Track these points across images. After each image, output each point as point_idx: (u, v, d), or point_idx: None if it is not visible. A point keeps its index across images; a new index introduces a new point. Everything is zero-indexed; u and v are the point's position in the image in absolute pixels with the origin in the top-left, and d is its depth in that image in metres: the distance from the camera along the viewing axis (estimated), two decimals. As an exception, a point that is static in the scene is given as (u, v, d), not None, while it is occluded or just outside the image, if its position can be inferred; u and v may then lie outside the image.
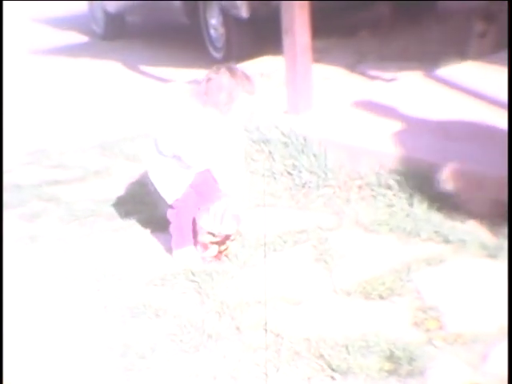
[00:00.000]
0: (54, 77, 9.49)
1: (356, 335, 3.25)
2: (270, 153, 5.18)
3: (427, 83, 5.85)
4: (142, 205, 4.79)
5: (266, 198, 4.78)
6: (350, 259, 3.94)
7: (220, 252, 4.06)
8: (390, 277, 3.68)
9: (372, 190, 4.52)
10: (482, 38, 6.61)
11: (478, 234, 3.90)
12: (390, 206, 4.33)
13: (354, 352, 3.14)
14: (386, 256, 3.91)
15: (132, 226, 4.64)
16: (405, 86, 5.93)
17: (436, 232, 4.01)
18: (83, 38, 12.33)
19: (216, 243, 4.03)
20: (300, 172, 4.91)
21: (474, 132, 4.65)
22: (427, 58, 6.53)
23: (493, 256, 3.73)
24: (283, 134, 5.20)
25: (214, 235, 4.02)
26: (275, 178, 4.99)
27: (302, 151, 5.00)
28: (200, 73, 4.12)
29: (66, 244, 4.53)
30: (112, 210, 4.90)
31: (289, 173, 4.97)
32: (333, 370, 3.08)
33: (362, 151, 4.76)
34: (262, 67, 7.45)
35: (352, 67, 7.26)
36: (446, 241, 3.94)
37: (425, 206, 4.19)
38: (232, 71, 3.98)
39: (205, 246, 4.06)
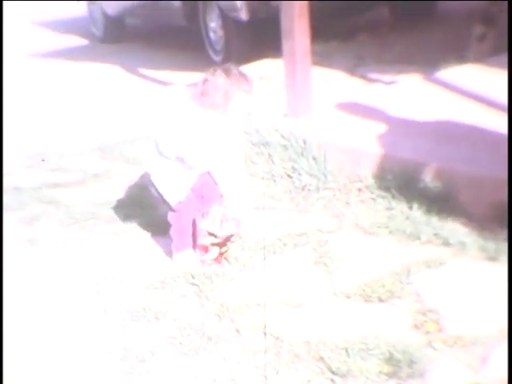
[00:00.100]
0: (54, 80, 9.49)
1: (356, 338, 3.25)
2: (270, 156, 5.18)
3: (427, 86, 5.86)
4: (142, 208, 4.80)
5: (266, 200, 4.78)
6: (350, 262, 3.94)
7: (221, 254, 4.06)
8: (390, 279, 3.68)
9: (372, 192, 4.52)
10: (481, 41, 6.62)
11: (477, 236, 3.90)
12: (390, 208, 4.33)
13: (353, 355, 3.14)
14: (386, 258, 3.91)
15: (132, 229, 4.64)
16: (404, 89, 5.93)
17: (436, 234, 4.02)
18: (83, 41, 12.34)
19: (217, 245, 4.03)
20: (300, 175, 4.91)
21: (474, 135, 4.65)
22: (427, 61, 6.53)
23: (492, 258, 3.73)
24: (283, 136, 5.20)
25: (215, 236, 4.02)
26: (275, 181, 4.99)
27: (302, 154, 5.00)
28: (199, 76, 4.12)
29: (66, 247, 4.53)
30: (112, 213, 4.90)
31: (288, 176, 4.97)
32: (332, 372, 3.08)
33: (361, 154, 4.76)
34: (262, 70, 7.45)
35: (352, 70, 7.26)
36: (446, 243, 3.94)
37: (424, 208, 4.19)
38: (228, 72, 4.01)
39: (205, 249, 4.05)
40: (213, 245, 4.04)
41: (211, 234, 4.02)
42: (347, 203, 4.57)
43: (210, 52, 8.86)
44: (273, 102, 6.01)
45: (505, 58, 5.44)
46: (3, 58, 8.99)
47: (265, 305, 3.60)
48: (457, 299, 3.46)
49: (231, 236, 4.08)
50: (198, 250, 4.10)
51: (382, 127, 5.01)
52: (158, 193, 4.10)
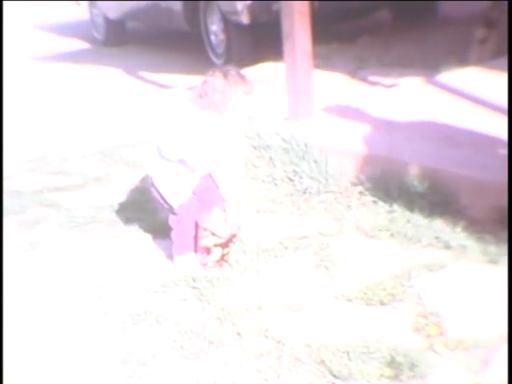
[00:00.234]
0: (55, 83, 9.51)
1: (357, 341, 3.24)
2: (271, 159, 5.18)
3: (428, 89, 5.86)
4: (143, 211, 4.79)
5: (267, 204, 4.78)
6: (351, 265, 3.94)
7: (223, 256, 4.06)
8: (391, 282, 3.67)
9: (373, 195, 4.52)
10: (482, 44, 6.62)
11: (478, 239, 3.90)
12: (391, 211, 4.33)
13: (355, 358, 3.14)
14: (387, 262, 3.90)
15: (133, 232, 4.64)
16: (406, 92, 5.93)
17: (437, 238, 4.01)
18: (84, 45, 12.35)
19: (220, 245, 4.03)
20: (301, 178, 4.91)
21: (475, 138, 4.65)
22: (428, 64, 6.53)
23: (493, 262, 3.73)
24: (284, 140, 5.20)
25: (219, 237, 4.02)
26: (276, 184, 5.00)
27: (303, 157, 5.00)
28: (201, 79, 4.12)
29: (67, 250, 4.53)
30: (112, 217, 4.90)
31: (290, 179, 4.97)
32: (334, 376, 3.08)
33: (362, 157, 4.76)
34: (263, 73, 7.46)
35: (353, 73, 7.26)
36: (447, 247, 3.94)
37: (425, 211, 4.18)
38: (226, 73, 4.03)
39: (207, 251, 4.05)
40: (216, 246, 4.04)
41: (214, 235, 4.02)
42: (348, 206, 4.57)
43: (211, 55, 8.87)
44: (274, 105, 6.02)
45: (505, 61, 5.44)
46: (3, 61, 9.00)
47: (261, 307, 3.61)
48: (458, 302, 3.46)
49: (233, 236, 4.08)
50: (199, 254, 4.09)
51: (383, 130, 5.00)
52: (161, 195, 4.10)
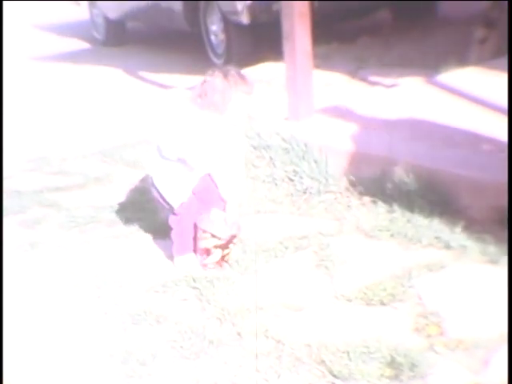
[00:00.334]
0: (55, 83, 9.50)
1: (357, 341, 3.24)
2: (271, 159, 5.18)
3: (428, 89, 5.85)
4: (143, 211, 4.79)
5: (267, 204, 4.78)
6: (351, 265, 3.94)
7: (223, 257, 4.06)
8: (391, 283, 3.67)
9: (373, 196, 4.51)
10: (482, 44, 6.62)
11: (478, 239, 3.89)
12: (391, 211, 4.33)
13: (355, 358, 3.14)
14: (387, 262, 3.90)
15: (133, 232, 4.64)
16: (406, 92, 5.93)
17: (437, 238, 4.01)
18: (84, 45, 12.35)
19: (220, 247, 4.03)
20: (301, 178, 4.91)
21: (475, 138, 4.65)
22: (428, 64, 6.53)
23: (493, 262, 3.73)
24: (284, 140, 5.20)
25: (218, 238, 4.01)
26: (276, 184, 5.00)
27: (303, 157, 5.00)
28: (201, 79, 4.12)
29: (67, 250, 4.53)
30: (112, 217, 4.90)
31: (290, 179, 4.97)
32: (334, 376, 3.08)
33: (362, 157, 4.76)
34: (263, 73, 7.46)
35: (353, 73, 7.26)
36: (447, 247, 3.94)
37: (425, 212, 4.18)
38: (226, 73, 4.03)
39: (207, 252, 4.05)
40: (216, 247, 4.04)
41: (214, 236, 4.02)
42: (348, 206, 4.57)
43: (212, 55, 8.87)
44: (274, 105, 6.02)
45: (505, 61, 5.44)
46: (3, 61, 9.00)
47: (261, 307, 3.60)
48: (458, 302, 3.46)
49: (233, 237, 4.08)
50: (199, 255, 4.09)
51: (383, 130, 5.01)
52: (161, 195, 4.10)
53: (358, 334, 3.32)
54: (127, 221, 4.77)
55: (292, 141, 5.14)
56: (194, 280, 3.93)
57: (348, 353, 3.17)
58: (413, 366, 3.04)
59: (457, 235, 3.98)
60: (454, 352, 3.14)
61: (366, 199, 4.54)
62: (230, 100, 4.00)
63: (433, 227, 4.09)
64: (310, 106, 5.55)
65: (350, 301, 3.61)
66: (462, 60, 6.29)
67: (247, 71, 6.09)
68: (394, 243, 4.08)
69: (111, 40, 11.75)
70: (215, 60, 8.73)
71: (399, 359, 3.09)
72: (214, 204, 4.07)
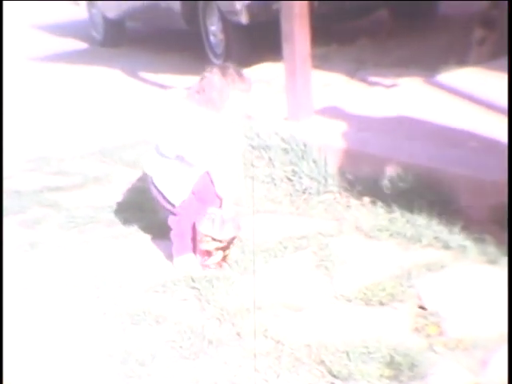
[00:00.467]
0: (54, 83, 9.50)
1: (357, 341, 3.24)
2: (270, 159, 5.18)
3: (427, 89, 5.86)
4: (142, 211, 4.79)
5: (267, 204, 4.78)
6: (351, 265, 3.94)
7: (224, 257, 4.06)
8: (391, 283, 3.67)
9: (372, 196, 4.51)
10: (481, 45, 6.62)
11: (477, 240, 3.89)
12: (390, 211, 4.33)
13: (354, 358, 3.14)
14: (387, 262, 3.90)
15: (132, 232, 4.64)
16: (405, 93, 5.93)
17: (436, 238, 4.01)
18: (83, 45, 12.34)
19: (221, 248, 4.03)
20: (300, 178, 4.91)
21: (474, 138, 4.65)
22: (427, 65, 6.53)
23: (493, 262, 3.73)
24: (283, 140, 5.20)
25: (220, 241, 4.01)
26: (275, 184, 5.00)
27: (302, 157, 5.00)
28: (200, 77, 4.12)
29: (66, 250, 4.53)
30: (112, 217, 4.90)
31: (289, 179, 4.97)
32: (334, 376, 3.08)
33: (361, 157, 4.76)
34: (262, 74, 7.45)
35: (352, 74, 7.26)
36: (446, 247, 3.94)
37: (425, 212, 4.18)
38: (223, 70, 4.03)
39: (209, 254, 4.05)
40: (217, 249, 4.04)
41: (215, 240, 4.02)
42: (348, 206, 4.57)
43: (211, 55, 8.86)
44: (273, 105, 6.02)
45: (505, 62, 5.44)
46: (3, 62, 8.99)
47: (256, 308, 3.60)
48: (457, 302, 3.46)
49: (234, 238, 4.08)
50: (199, 256, 4.09)
51: (382, 130, 5.01)
52: (161, 194, 4.09)
53: (358, 334, 3.32)
54: (126, 221, 4.77)
55: (291, 141, 5.14)
56: (194, 280, 3.93)
57: (347, 353, 3.17)
58: (412, 366, 3.05)
59: (456, 235, 3.98)
60: (454, 352, 3.14)
61: (366, 199, 4.54)
62: (227, 97, 4.00)
63: (432, 227, 4.09)
64: (309, 107, 5.55)
65: (349, 301, 3.61)
66: (461, 60, 6.30)
67: (246, 71, 6.09)
68: (394, 243, 4.08)
69: (110, 40, 11.73)
70: (214, 60, 8.72)
71: (399, 359, 3.09)
72: (211, 203, 4.07)
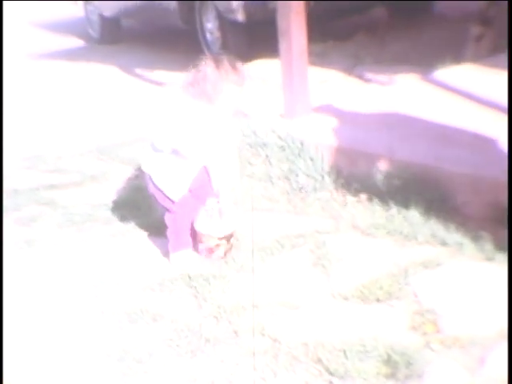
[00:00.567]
0: (51, 81, 9.49)
1: (354, 339, 3.25)
2: (267, 157, 5.18)
3: (424, 86, 5.86)
4: (139, 209, 4.79)
5: (263, 202, 4.78)
6: (348, 263, 3.94)
7: (226, 251, 4.07)
8: (388, 280, 3.68)
9: (369, 193, 4.51)
10: (478, 42, 6.62)
11: (474, 237, 3.89)
12: (387, 209, 4.33)
13: (351, 356, 3.14)
14: (384, 259, 3.90)
15: (129, 230, 4.64)
16: (402, 89, 5.93)
17: (433, 235, 4.01)
18: (79, 42, 12.33)
19: (221, 244, 4.04)
20: (297, 176, 4.91)
21: (471, 135, 4.65)
22: (424, 61, 6.53)
23: (489, 259, 3.73)
24: (280, 137, 5.20)
25: (219, 238, 4.02)
26: (272, 182, 4.99)
27: (299, 155, 5.00)
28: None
29: (63, 249, 4.53)
30: (109, 215, 4.89)
31: (286, 177, 4.97)
32: (331, 374, 3.08)
33: (358, 155, 4.76)
34: (258, 71, 7.44)
35: (349, 70, 7.26)
36: (443, 244, 3.94)
37: (421, 209, 4.18)
38: (217, 62, 4.02)
39: (211, 250, 4.06)
40: (218, 246, 4.05)
41: (213, 237, 4.02)
42: (344, 204, 4.56)
43: (207, 53, 8.85)
44: (270, 102, 6.02)
45: (502, 58, 5.45)
46: (3, 59, 8.99)
47: (253, 306, 3.61)
48: (454, 300, 3.46)
49: (233, 232, 4.09)
50: (201, 252, 4.10)
51: (379, 128, 5.01)
52: (160, 191, 4.08)
53: (355, 332, 3.32)
54: (123, 219, 4.77)
55: (288, 138, 5.14)
56: (190, 278, 3.93)
57: (344, 351, 3.17)
58: (409, 364, 3.05)
59: (453, 233, 3.98)
60: (451, 350, 3.14)
61: (362, 197, 4.54)
62: (221, 91, 3.99)
63: (429, 225, 4.09)
64: (306, 104, 5.54)
65: (346, 299, 3.61)
66: (458, 57, 6.29)
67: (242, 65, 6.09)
68: (390, 241, 4.08)
69: (106, 38, 11.71)
70: (211, 57, 8.71)
71: (395, 357, 3.09)
72: (208, 197, 4.06)
